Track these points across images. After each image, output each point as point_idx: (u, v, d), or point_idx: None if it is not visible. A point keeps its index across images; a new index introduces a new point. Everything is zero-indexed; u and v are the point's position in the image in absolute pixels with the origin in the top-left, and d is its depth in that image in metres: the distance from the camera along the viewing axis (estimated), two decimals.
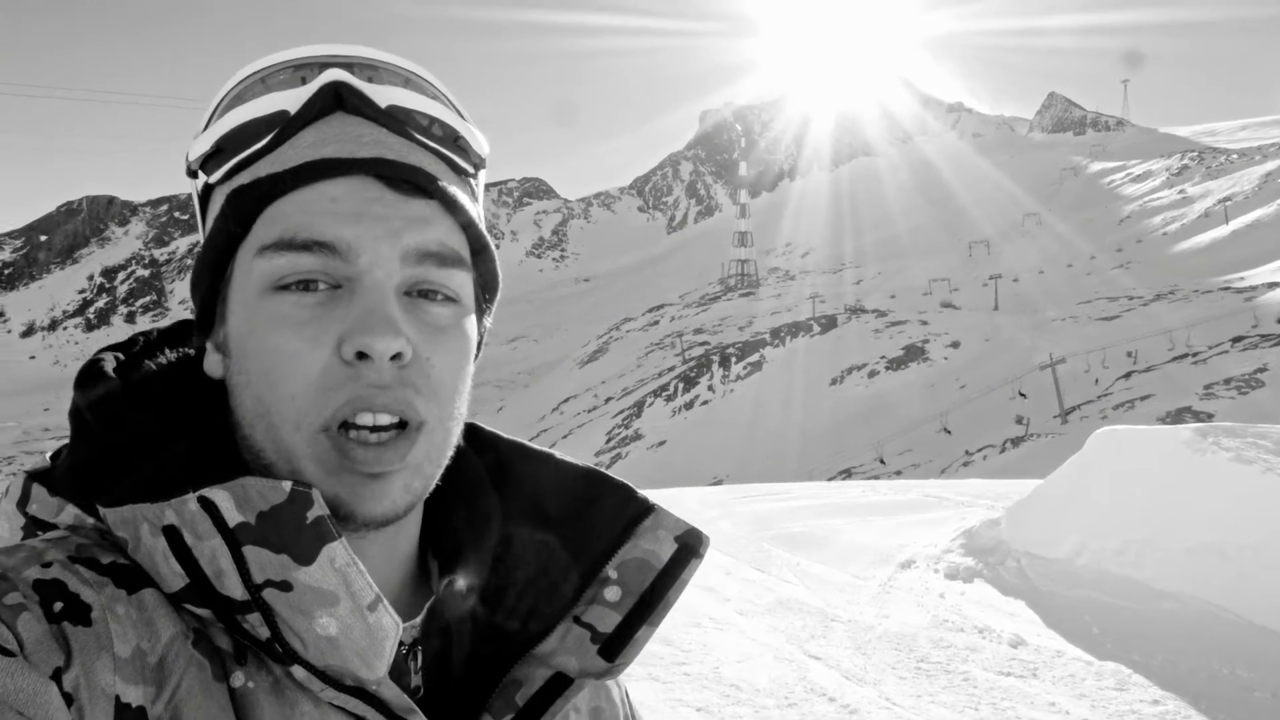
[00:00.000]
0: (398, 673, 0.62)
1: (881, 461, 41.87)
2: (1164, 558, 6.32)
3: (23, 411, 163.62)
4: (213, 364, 0.64)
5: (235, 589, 0.53)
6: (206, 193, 0.66)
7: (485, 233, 0.68)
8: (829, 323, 70.44)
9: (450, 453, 0.64)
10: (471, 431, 0.76)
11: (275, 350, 0.58)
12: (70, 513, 0.58)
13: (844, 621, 6.33)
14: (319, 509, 0.54)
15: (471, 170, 0.69)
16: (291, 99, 0.62)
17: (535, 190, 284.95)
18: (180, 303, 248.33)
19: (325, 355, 0.58)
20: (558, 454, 0.76)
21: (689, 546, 0.70)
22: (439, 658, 0.67)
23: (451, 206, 0.64)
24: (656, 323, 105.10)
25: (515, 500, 0.74)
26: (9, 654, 0.46)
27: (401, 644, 0.64)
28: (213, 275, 0.63)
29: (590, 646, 0.67)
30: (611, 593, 0.68)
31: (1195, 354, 41.29)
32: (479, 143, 0.69)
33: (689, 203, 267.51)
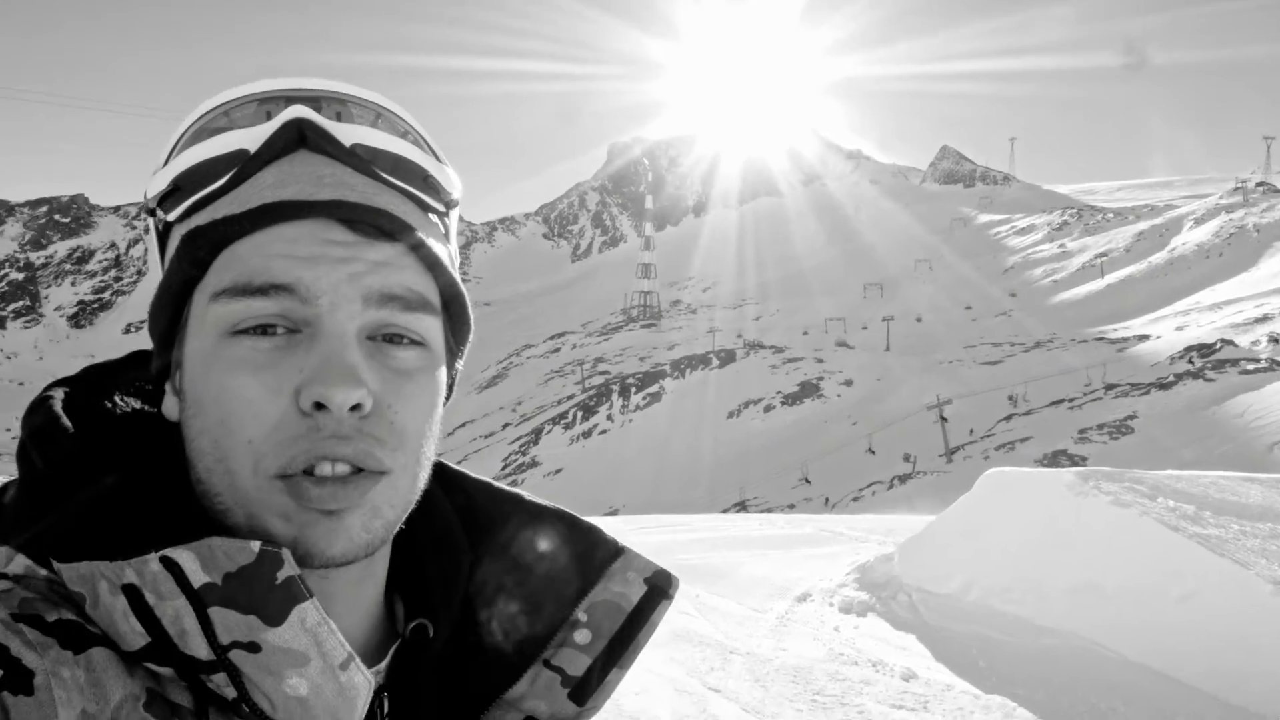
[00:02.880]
0: None
1: (785, 490, 42.51)
2: (1047, 595, 6.56)
3: None
4: (170, 407, 0.62)
5: (200, 649, 0.52)
6: (165, 230, 0.64)
7: (456, 275, 0.66)
8: (728, 357, 71.53)
9: (415, 498, 0.63)
10: (438, 470, 0.73)
11: (232, 395, 0.56)
12: (20, 563, 0.55)
13: (742, 654, 6.35)
14: (289, 569, 0.53)
15: (442, 209, 0.67)
16: (252, 136, 0.60)
17: None
18: (55, 309, 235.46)
19: (284, 403, 0.56)
20: (526, 495, 0.75)
21: (658, 588, 0.70)
22: (407, 703, 0.66)
23: (418, 249, 0.62)
24: (557, 350, 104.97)
25: (484, 542, 0.72)
26: None
27: None
28: (169, 317, 0.61)
29: (560, 690, 0.66)
30: (581, 636, 0.67)
31: (1071, 400, 43.42)
32: (450, 181, 0.67)
33: (595, 233, 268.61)
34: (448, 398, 0.68)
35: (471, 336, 0.70)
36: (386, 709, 0.64)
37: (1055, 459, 33.50)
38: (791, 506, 38.65)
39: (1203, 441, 29.32)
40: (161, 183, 0.61)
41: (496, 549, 0.73)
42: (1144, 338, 56.85)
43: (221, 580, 0.52)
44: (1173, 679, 5.54)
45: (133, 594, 0.52)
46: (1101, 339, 59.46)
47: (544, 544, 0.72)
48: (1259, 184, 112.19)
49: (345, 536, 0.57)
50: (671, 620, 7.31)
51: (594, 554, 0.71)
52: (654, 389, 68.32)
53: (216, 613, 0.52)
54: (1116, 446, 33.26)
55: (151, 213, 0.63)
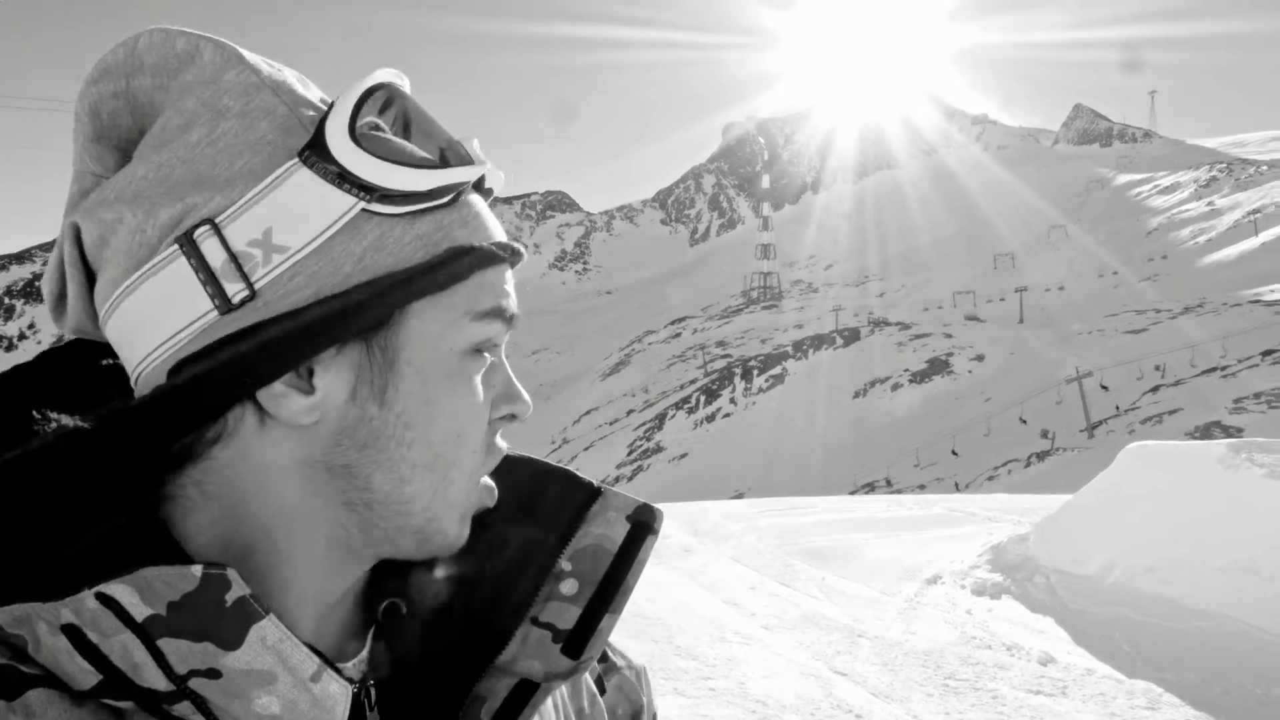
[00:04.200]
0: (353, 718, 0.59)
1: (915, 470, 41.59)
2: (1197, 576, 6.23)
3: None
4: (302, 409, 0.55)
5: (157, 681, 0.49)
6: (355, 211, 0.57)
7: None
8: (852, 335, 70.17)
9: None
10: None
11: (470, 407, 0.59)
12: None
13: (870, 637, 6.28)
14: (239, 589, 0.50)
15: None
16: (476, 170, 0.59)
17: (558, 203, 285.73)
18: None
19: (488, 414, 0.61)
20: None
21: (643, 524, 0.68)
22: (394, 688, 0.64)
23: None
24: (678, 335, 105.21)
25: None
26: None
27: (351, 680, 0.59)
28: (375, 312, 0.56)
29: (553, 646, 0.65)
30: (567, 586, 0.66)
31: (1224, 368, 40.78)
32: None
33: (711, 215, 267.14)
34: None
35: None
36: (374, 698, 0.62)
37: (1208, 431, 31.51)
38: (921, 487, 37.71)
39: None
40: (414, 182, 0.56)
41: None
42: None
43: (166, 610, 0.49)
44: None
45: (74, 633, 0.49)
46: (1257, 301, 55.45)
47: (518, 496, 0.69)
48: None
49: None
50: (799, 603, 7.28)
51: (571, 498, 0.69)
52: (777, 371, 67.66)
53: (166, 644, 0.49)
54: (1276, 416, 31.06)
55: (355, 187, 0.55)
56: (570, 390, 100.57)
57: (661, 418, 68.12)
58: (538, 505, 0.69)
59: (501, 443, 0.63)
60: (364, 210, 0.56)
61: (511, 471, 0.70)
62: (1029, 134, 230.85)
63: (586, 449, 71.46)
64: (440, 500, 0.59)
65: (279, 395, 0.55)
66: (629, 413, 78.15)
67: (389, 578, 0.67)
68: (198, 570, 0.50)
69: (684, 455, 59.33)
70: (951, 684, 5.35)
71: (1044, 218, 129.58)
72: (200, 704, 0.50)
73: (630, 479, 58.38)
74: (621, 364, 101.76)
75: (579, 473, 0.71)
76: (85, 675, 0.49)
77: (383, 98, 0.60)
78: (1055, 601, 6.92)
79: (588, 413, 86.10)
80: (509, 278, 0.62)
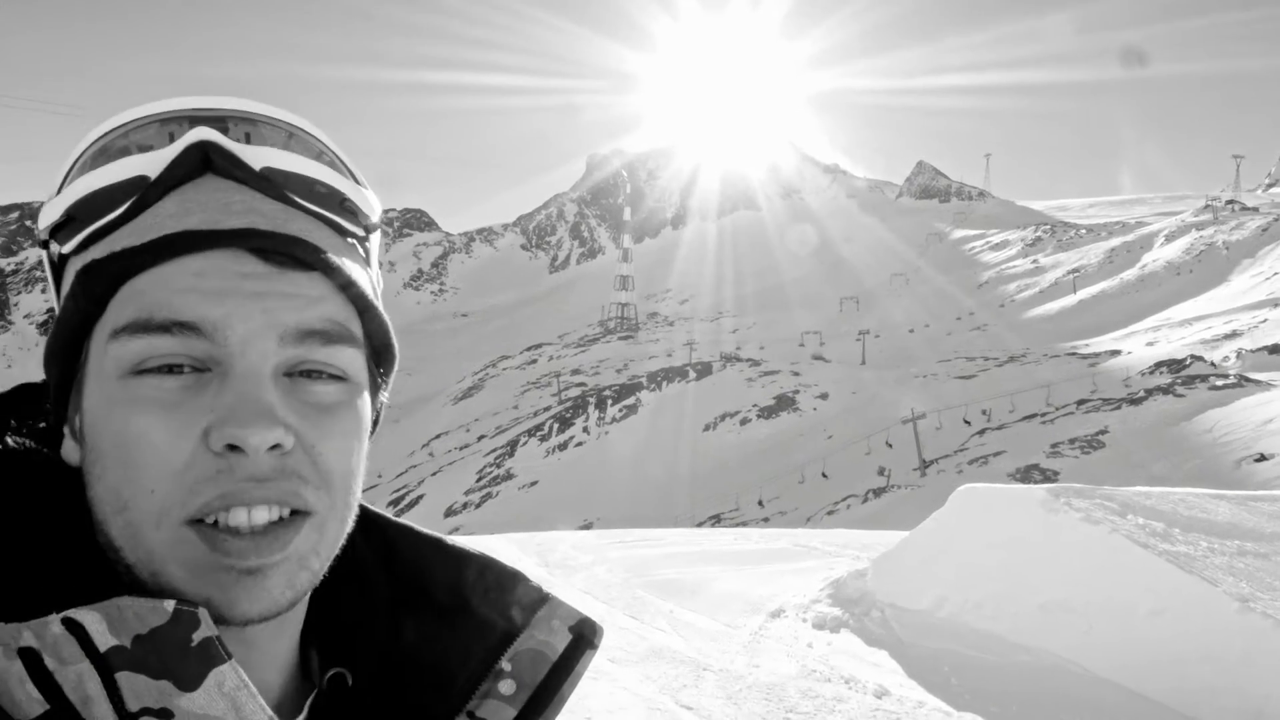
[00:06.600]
0: None
1: (760, 504, 42.57)
2: (1019, 612, 6.60)
3: None
4: (69, 451, 0.58)
5: (106, 716, 0.48)
6: (61, 263, 0.60)
7: (377, 302, 0.62)
8: (704, 369, 71.54)
9: (342, 543, 0.60)
10: (358, 512, 0.68)
11: (135, 438, 0.52)
12: None
13: (715, 671, 6.34)
14: (206, 629, 0.50)
15: (361, 234, 0.64)
16: (153, 161, 0.56)
17: (416, 221, 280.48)
18: (25, 317, 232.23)
19: (190, 446, 0.52)
20: (448, 539, 0.73)
21: (583, 637, 0.68)
22: None
23: (336, 277, 0.58)
24: (534, 362, 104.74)
25: (404, 588, 0.70)
26: None
27: None
28: (66, 355, 0.56)
29: None
30: (506, 686, 0.66)
31: (1043, 414, 43.79)
32: (369, 204, 0.64)
33: (572, 244, 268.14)
34: (372, 431, 0.64)
35: (396, 365, 0.66)
36: None
37: (1028, 474, 33.72)
38: (767, 520, 38.68)
39: (1171, 457, 29.64)
40: (54, 213, 0.56)
41: (419, 595, 0.70)
42: (1115, 353, 57.51)
43: (131, 643, 0.48)
44: (1142, 695, 5.58)
45: (31, 658, 0.48)
46: (1073, 354, 60.05)
47: (467, 590, 0.70)
48: (1228, 202, 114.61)
49: (268, 597, 0.54)
50: (647, 636, 7.28)
51: (518, 600, 0.69)
52: (630, 401, 68.20)
53: (124, 678, 0.48)
54: (1088, 461, 33.52)
55: (45, 245, 0.58)
56: (421, 413, 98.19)
57: (513, 445, 67.37)
58: (486, 601, 0.69)
59: (252, 485, 0.53)
60: (60, 256, 0.57)
61: (461, 564, 0.71)
62: (876, 186, 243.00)
63: (435, 474, 69.82)
64: (139, 550, 0.53)
65: (65, 440, 0.60)
66: (480, 438, 76.98)
67: (340, 648, 0.67)
68: (170, 605, 0.49)
69: (534, 483, 58.83)
70: (793, 717, 5.45)
71: (891, 265, 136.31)
72: None
73: (479, 506, 57.37)
74: (475, 388, 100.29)
75: (529, 576, 0.71)
76: (32, 704, 0.48)
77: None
78: (890, 635, 7.18)
79: (437, 436, 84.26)
80: (197, 270, 0.54)
